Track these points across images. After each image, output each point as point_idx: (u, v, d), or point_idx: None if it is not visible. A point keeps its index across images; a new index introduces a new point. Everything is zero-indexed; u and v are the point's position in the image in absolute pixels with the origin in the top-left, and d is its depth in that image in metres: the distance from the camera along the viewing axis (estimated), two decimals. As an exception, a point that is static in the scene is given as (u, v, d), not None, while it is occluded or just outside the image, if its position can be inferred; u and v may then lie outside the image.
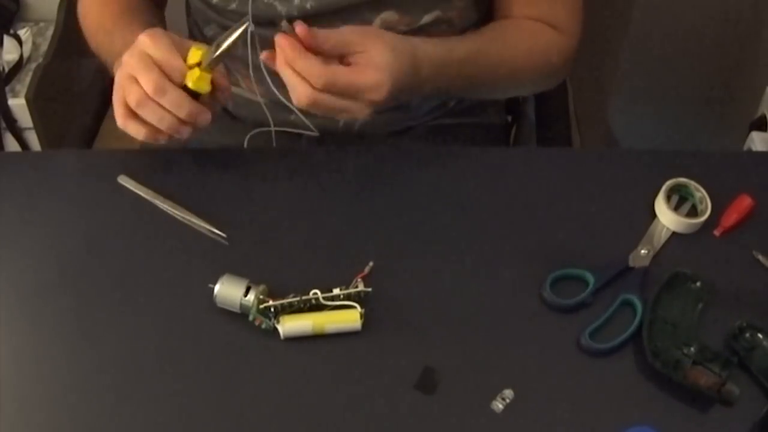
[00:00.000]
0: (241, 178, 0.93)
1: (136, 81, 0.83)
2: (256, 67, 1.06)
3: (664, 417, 0.74)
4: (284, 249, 0.86)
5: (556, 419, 0.74)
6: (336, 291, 0.80)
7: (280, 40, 0.82)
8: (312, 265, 0.85)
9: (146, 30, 0.84)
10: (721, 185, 0.89)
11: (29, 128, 1.70)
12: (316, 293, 0.80)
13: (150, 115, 0.83)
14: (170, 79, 0.83)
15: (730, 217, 0.88)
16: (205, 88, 0.84)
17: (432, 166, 0.94)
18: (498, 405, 0.75)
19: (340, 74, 0.82)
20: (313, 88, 0.81)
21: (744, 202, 0.88)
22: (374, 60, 0.83)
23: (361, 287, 0.80)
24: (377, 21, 0.98)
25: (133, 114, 0.84)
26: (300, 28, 0.81)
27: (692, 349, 0.76)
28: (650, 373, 0.76)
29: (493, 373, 0.77)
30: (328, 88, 0.81)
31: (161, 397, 0.76)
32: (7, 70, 1.71)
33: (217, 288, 0.79)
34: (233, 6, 1.00)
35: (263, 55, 0.85)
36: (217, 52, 0.83)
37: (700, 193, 0.89)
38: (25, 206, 0.91)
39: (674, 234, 0.87)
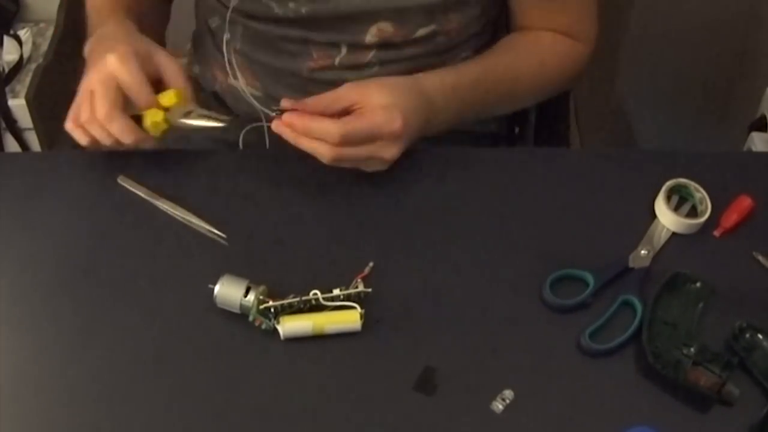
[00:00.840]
0: (241, 178, 0.93)
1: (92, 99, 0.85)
2: (253, 60, 1.06)
3: (664, 417, 0.74)
4: (284, 249, 0.87)
5: (556, 419, 0.74)
6: (336, 291, 0.80)
7: (284, 124, 0.85)
8: (312, 265, 0.85)
9: (117, 51, 0.86)
10: (721, 185, 0.89)
11: (29, 128, 1.70)
12: (316, 293, 0.80)
13: (96, 132, 0.87)
14: (136, 101, 0.86)
15: (730, 218, 0.88)
16: (156, 132, 0.87)
17: (432, 166, 0.94)
18: (498, 405, 0.75)
19: (352, 122, 0.84)
20: (333, 145, 0.83)
21: (744, 203, 0.88)
22: (376, 101, 0.85)
23: (361, 287, 0.80)
24: (372, 30, 0.98)
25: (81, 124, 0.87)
26: (285, 103, 0.85)
27: (692, 349, 0.76)
28: (650, 373, 0.76)
29: (493, 374, 0.77)
30: (347, 140, 0.82)
31: (161, 398, 0.76)
32: (7, 70, 1.71)
33: (217, 288, 0.79)
34: (234, 3, 1.00)
35: (273, 126, 0.86)
36: (186, 121, 0.87)
37: (700, 193, 0.89)
38: (24, 206, 0.91)
39: (674, 234, 0.87)
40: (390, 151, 0.85)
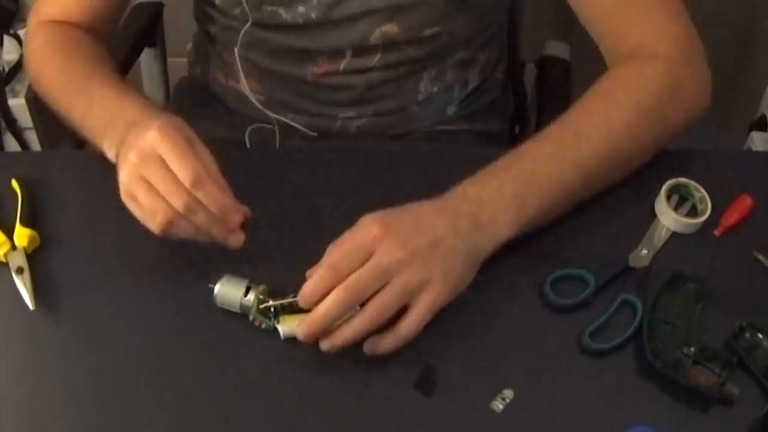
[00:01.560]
0: (241, 178, 0.92)
1: (157, 194, 0.76)
2: (255, 65, 1.07)
3: (664, 417, 0.74)
4: (284, 249, 0.86)
5: (556, 419, 0.74)
6: (336, 291, 0.80)
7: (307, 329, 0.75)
8: (312, 264, 0.85)
9: (157, 124, 0.77)
10: (721, 185, 0.89)
11: (29, 128, 1.70)
12: (316, 293, 0.79)
13: (185, 232, 0.78)
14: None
15: (730, 217, 0.88)
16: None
17: (432, 166, 0.94)
18: (498, 405, 0.75)
19: (331, 251, 0.76)
20: (332, 281, 0.74)
21: (744, 202, 0.88)
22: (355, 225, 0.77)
23: (361, 287, 0.80)
24: (377, 33, 0.98)
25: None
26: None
27: (692, 349, 0.76)
28: (650, 373, 0.76)
29: (493, 373, 0.77)
30: (335, 267, 0.74)
31: (160, 398, 0.76)
32: (7, 70, 1.71)
33: (217, 288, 0.79)
34: (237, 12, 1.00)
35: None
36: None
37: (700, 193, 0.89)
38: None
39: (674, 234, 0.87)
40: (389, 255, 0.73)
